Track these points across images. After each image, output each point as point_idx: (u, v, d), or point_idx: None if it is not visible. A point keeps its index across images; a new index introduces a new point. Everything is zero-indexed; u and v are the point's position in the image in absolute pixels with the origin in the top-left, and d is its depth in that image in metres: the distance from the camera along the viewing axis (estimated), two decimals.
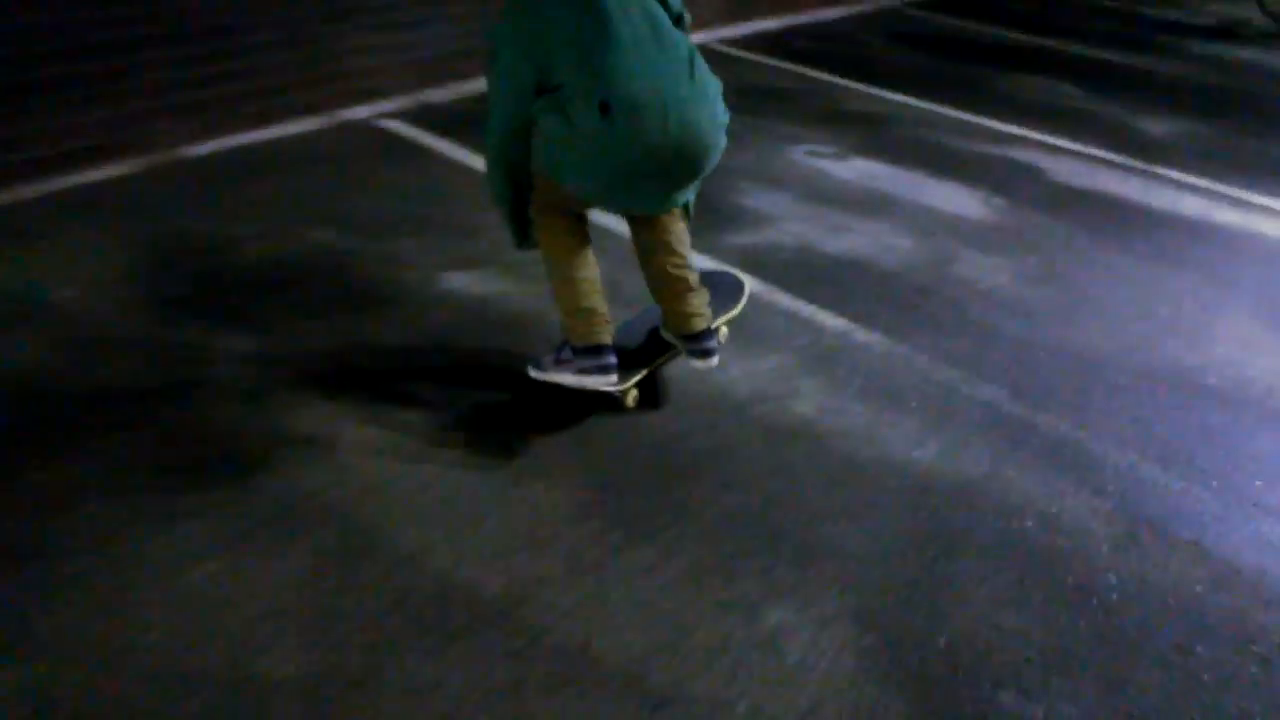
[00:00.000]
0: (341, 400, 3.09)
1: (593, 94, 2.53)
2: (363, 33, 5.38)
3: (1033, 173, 5.39)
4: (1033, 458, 3.09)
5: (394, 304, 3.61)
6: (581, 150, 2.60)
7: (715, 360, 3.08)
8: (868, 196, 4.85)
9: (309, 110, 5.26)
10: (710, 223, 4.41)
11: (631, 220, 3.02)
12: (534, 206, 2.93)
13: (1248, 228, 4.89)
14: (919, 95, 6.49)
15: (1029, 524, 2.83)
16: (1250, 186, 5.41)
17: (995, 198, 4.99)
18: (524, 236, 3.04)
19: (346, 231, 4.09)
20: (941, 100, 6.44)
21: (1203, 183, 5.43)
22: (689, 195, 2.93)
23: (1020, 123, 6.18)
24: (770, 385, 3.33)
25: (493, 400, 3.15)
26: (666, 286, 3.02)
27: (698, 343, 3.06)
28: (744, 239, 4.29)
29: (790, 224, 4.48)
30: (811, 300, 3.85)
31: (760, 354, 3.50)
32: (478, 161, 4.82)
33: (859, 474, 2.96)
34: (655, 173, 2.65)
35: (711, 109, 2.66)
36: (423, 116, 5.42)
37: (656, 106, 2.55)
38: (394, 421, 3.01)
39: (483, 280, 3.79)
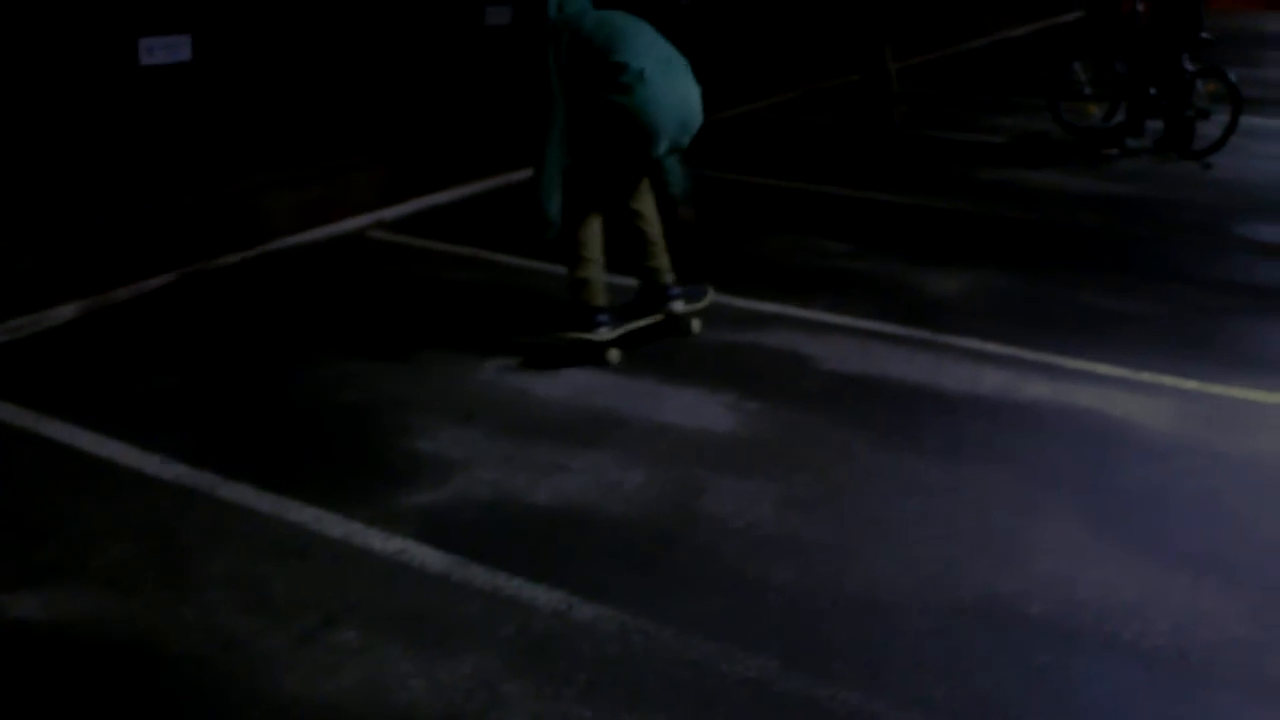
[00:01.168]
0: None
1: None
2: None
3: (793, 362, 5.81)
4: None
5: None
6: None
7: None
8: (584, 419, 5.09)
9: None
10: (376, 478, 4.53)
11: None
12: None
13: (1061, 401, 5.42)
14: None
15: None
16: (1061, 348, 6.01)
17: (747, 401, 5.35)
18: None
19: None
20: None
21: (1004, 350, 6.00)
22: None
23: (772, 297, 6.67)
24: (465, 698, 3.39)
25: None
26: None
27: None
28: (421, 497, 4.42)
29: (483, 469, 4.65)
30: (516, 572, 3.98)
31: (450, 655, 3.56)
32: (52, 426, 4.80)
33: None
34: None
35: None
36: None
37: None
38: None
39: (63, 600, 3.74)
